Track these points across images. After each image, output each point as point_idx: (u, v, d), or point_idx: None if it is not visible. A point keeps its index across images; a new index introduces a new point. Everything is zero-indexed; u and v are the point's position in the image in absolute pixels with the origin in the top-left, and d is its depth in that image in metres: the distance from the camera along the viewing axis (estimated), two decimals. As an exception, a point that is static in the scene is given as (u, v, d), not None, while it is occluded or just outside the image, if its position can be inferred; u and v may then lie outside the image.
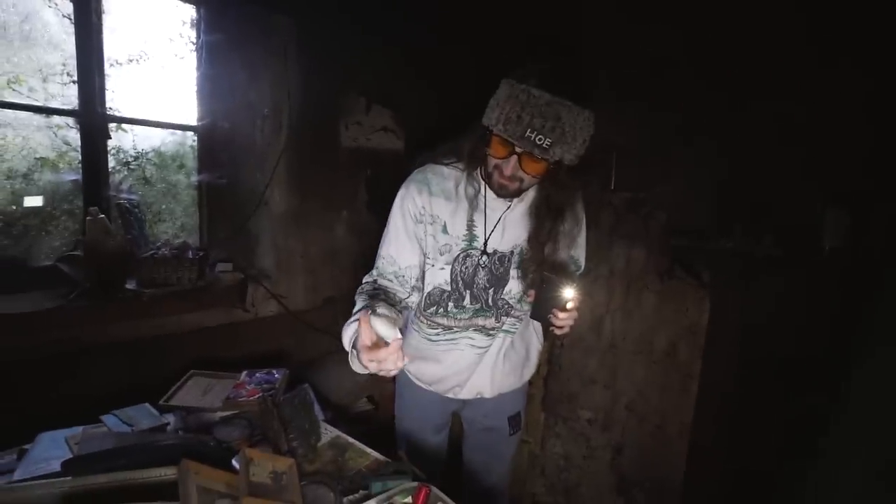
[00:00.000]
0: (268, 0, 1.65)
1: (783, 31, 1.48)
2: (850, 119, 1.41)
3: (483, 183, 1.11)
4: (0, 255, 1.44)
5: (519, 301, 1.19)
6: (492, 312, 1.19)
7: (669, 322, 1.75)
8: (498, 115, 0.97)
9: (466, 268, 1.15)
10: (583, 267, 1.30)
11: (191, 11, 1.73)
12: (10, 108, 1.41)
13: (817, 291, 1.43)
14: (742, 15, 1.54)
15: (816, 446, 1.01)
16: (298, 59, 1.72)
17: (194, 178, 1.82)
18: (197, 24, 1.75)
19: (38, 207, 1.52)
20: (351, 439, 1.23)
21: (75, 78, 1.49)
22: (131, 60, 1.64)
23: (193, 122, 1.80)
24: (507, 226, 1.14)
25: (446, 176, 1.14)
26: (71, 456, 1.02)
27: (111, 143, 1.60)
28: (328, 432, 1.25)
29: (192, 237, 1.84)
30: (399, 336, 0.88)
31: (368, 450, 1.18)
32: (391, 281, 1.16)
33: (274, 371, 1.43)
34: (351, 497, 0.99)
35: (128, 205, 1.58)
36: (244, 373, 1.42)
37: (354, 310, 1.07)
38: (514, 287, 1.17)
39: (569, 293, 1.00)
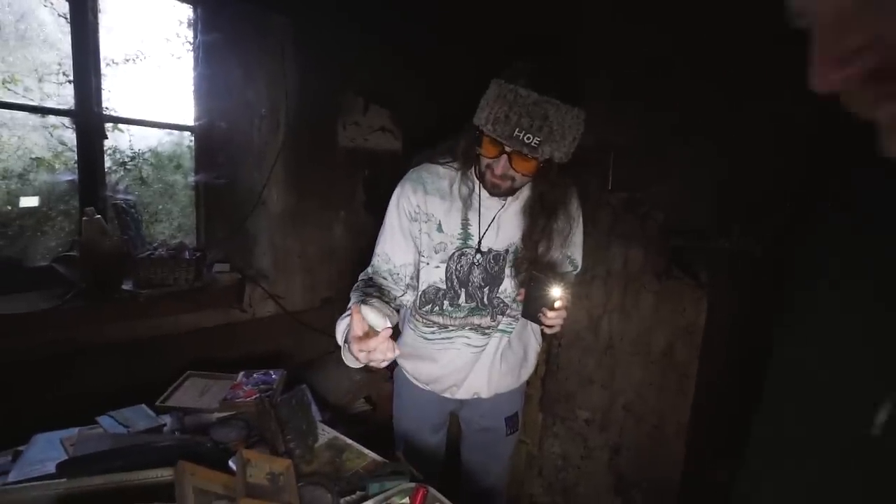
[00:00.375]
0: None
1: (778, 30, 1.48)
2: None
3: (477, 182, 1.12)
4: (-4, 255, 1.44)
5: (514, 300, 1.19)
6: (487, 311, 1.19)
7: (667, 322, 1.75)
8: (487, 115, 0.98)
9: (461, 266, 1.16)
10: (580, 266, 1.31)
11: (187, 11, 1.73)
12: (5, 107, 1.40)
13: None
14: (737, 15, 1.55)
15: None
16: (296, 59, 1.72)
17: (191, 179, 1.82)
18: (194, 24, 1.74)
19: (34, 208, 1.51)
20: (348, 440, 1.23)
21: (71, 77, 1.48)
22: (128, 60, 1.63)
23: (190, 121, 1.79)
24: (502, 224, 1.15)
25: (441, 175, 1.15)
26: (66, 457, 1.02)
27: (108, 143, 1.59)
28: (325, 433, 1.25)
29: (189, 237, 1.83)
30: (389, 326, 0.90)
31: (366, 451, 1.18)
32: (386, 279, 1.17)
33: (271, 372, 1.42)
34: (348, 498, 0.99)
35: (124, 205, 1.58)
36: (241, 374, 1.42)
37: (348, 305, 1.08)
38: (508, 286, 1.18)
39: (556, 292, 1.01)
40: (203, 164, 1.82)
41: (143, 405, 1.25)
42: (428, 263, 1.17)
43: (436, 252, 1.16)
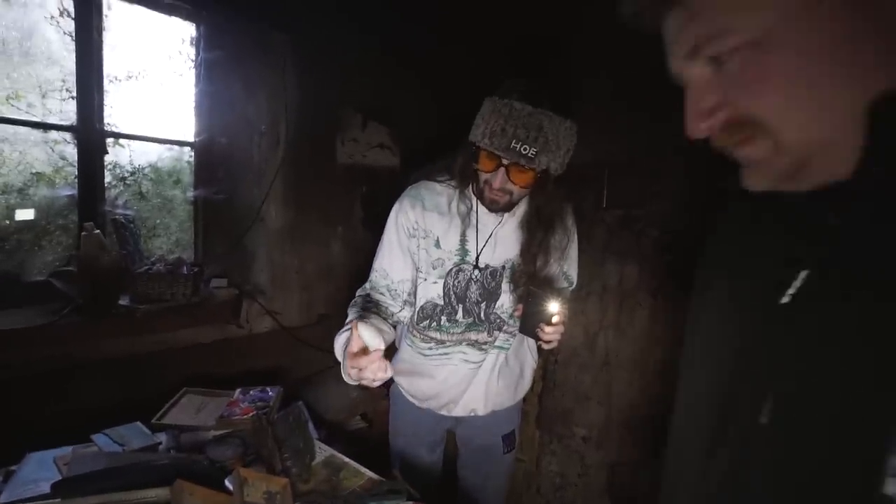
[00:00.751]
0: (267, 18, 1.68)
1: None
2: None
3: (475, 199, 1.14)
4: (-7, 269, 1.43)
5: (510, 316, 1.20)
6: (484, 327, 1.20)
7: (662, 338, 1.77)
8: (483, 130, 1.01)
9: (459, 282, 1.17)
10: (575, 282, 1.32)
11: (191, 29, 1.76)
12: (8, 123, 1.41)
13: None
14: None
15: None
16: (296, 76, 1.75)
17: (190, 194, 1.83)
18: (196, 42, 1.77)
19: (32, 222, 1.51)
20: (345, 458, 1.22)
21: (74, 94, 1.50)
22: (130, 77, 1.65)
23: (190, 137, 1.81)
24: (499, 241, 1.17)
25: (439, 192, 1.17)
26: (60, 477, 1.01)
27: (108, 159, 1.60)
28: (322, 451, 1.24)
29: (186, 252, 1.83)
30: (381, 347, 0.91)
31: (363, 469, 1.17)
32: (383, 294, 1.18)
33: (268, 389, 1.42)
34: (346, 518, 0.98)
35: (123, 220, 1.58)
36: (238, 390, 1.41)
37: (347, 321, 1.09)
38: (505, 301, 1.20)
39: (554, 307, 1.02)
40: (202, 179, 1.83)
41: (139, 423, 1.24)
42: (426, 279, 1.19)
43: (433, 268, 1.17)
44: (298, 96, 1.76)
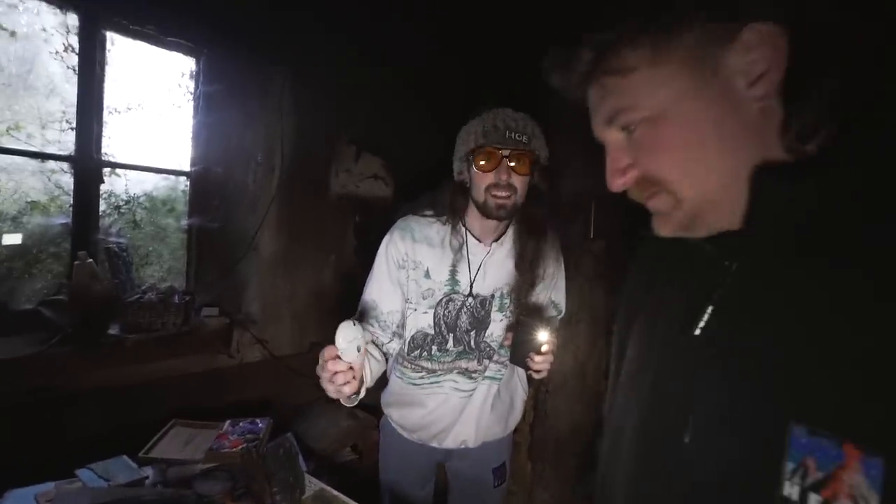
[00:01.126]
0: (265, 54, 1.74)
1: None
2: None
3: (465, 232, 1.17)
4: (-20, 298, 1.42)
5: (500, 346, 1.22)
6: (474, 355, 1.22)
7: (651, 368, 1.79)
8: (475, 137, 1.09)
9: (449, 311, 1.19)
10: (564, 310, 1.35)
11: (190, 63, 1.81)
12: (6, 153, 1.43)
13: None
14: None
15: None
16: (293, 109, 1.80)
17: (184, 222, 1.84)
18: (196, 75, 1.82)
19: (23, 249, 1.51)
20: (335, 492, 1.20)
21: (74, 125, 1.52)
22: (130, 108, 1.69)
23: (186, 167, 1.83)
24: (488, 270, 1.20)
25: (429, 225, 1.21)
26: (43, 514, 0.98)
27: (104, 188, 1.62)
28: (312, 485, 1.22)
29: (178, 280, 1.83)
30: (353, 358, 0.86)
31: (353, 503, 1.16)
32: (373, 325, 1.19)
33: (258, 420, 1.40)
34: (336, 555, 0.97)
35: (117, 248, 1.59)
36: (227, 422, 1.39)
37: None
38: (495, 330, 1.21)
39: (543, 336, 1.04)
40: (197, 207, 1.85)
41: (125, 456, 1.21)
42: (416, 309, 1.20)
43: (423, 298, 1.19)
44: (294, 128, 1.81)
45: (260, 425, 1.38)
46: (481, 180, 1.10)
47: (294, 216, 1.83)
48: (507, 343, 1.18)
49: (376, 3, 1.92)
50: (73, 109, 1.52)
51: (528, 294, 1.21)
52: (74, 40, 1.50)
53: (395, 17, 1.99)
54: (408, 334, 1.22)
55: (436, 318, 1.19)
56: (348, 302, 1.92)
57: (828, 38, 0.40)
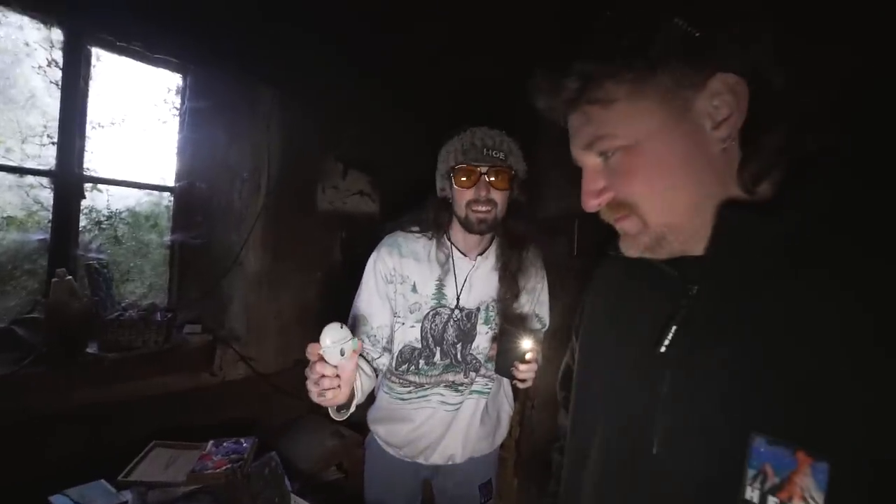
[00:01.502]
0: (253, 72, 1.75)
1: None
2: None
3: (451, 246, 1.20)
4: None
5: (487, 359, 1.24)
6: (461, 367, 1.23)
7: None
8: (454, 155, 1.13)
9: (436, 325, 1.21)
10: (548, 324, 1.38)
11: (177, 79, 1.81)
12: (-17, 168, 1.40)
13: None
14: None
15: None
16: (280, 126, 1.81)
17: (167, 238, 1.81)
18: (182, 91, 1.82)
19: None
20: (322, 512, 1.19)
21: (55, 139, 1.50)
22: (114, 123, 1.67)
23: (170, 182, 1.82)
24: (473, 284, 1.22)
25: (415, 240, 1.24)
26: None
27: (85, 203, 1.59)
28: (298, 505, 1.20)
29: (160, 297, 1.80)
30: (336, 361, 0.85)
31: (341, 524, 1.14)
32: (363, 340, 1.20)
33: (242, 440, 1.37)
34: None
35: (97, 265, 1.55)
36: (210, 442, 1.36)
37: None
38: (481, 342, 1.24)
39: (527, 344, 1.06)
40: (180, 223, 1.82)
41: (103, 480, 1.18)
42: (403, 323, 1.22)
43: (411, 312, 1.21)
44: (281, 145, 1.82)
45: (244, 445, 1.36)
46: (462, 196, 1.14)
47: (280, 232, 1.82)
48: (492, 353, 1.21)
49: (365, 20, 1.96)
50: (55, 124, 1.50)
51: (512, 305, 1.24)
52: (58, 55, 1.49)
53: (383, 35, 2.03)
54: (396, 349, 1.23)
55: (423, 331, 1.21)
56: (334, 318, 1.92)
57: (776, 97, 0.46)
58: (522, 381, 1.12)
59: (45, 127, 1.50)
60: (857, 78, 1.05)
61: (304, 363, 0.90)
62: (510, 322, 1.19)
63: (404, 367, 1.23)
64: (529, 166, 1.21)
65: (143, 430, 1.41)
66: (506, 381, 1.30)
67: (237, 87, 1.77)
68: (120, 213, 1.73)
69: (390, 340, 1.23)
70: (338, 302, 1.95)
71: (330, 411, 1.02)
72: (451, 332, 1.22)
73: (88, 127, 1.58)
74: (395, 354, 1.23)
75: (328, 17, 1.82)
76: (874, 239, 0.43)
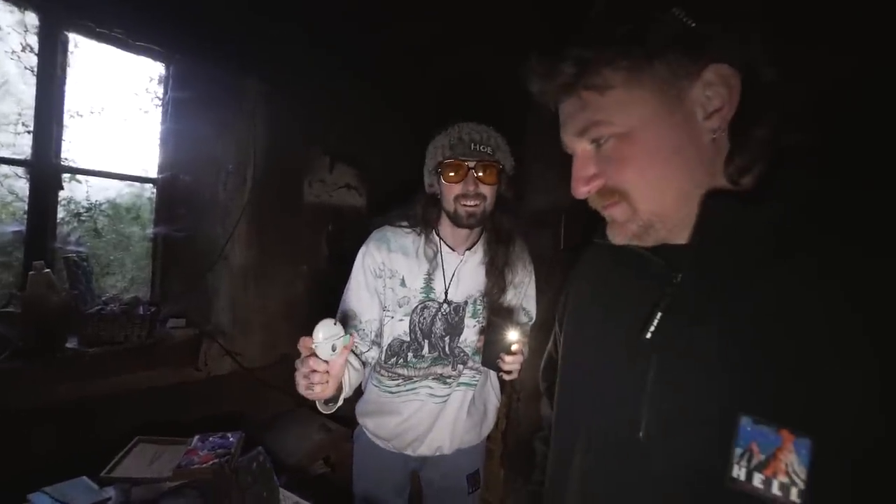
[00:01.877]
0: (239, 63, 1.72)
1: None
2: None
3: (439, 241, 1.20)
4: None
5: (474, 351, 1.25)
6: (449, 360, 1.24)
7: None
8: (442, 151, 1.13)
9: (424, 318, 1.22)
10: (534, 317, 1.40)
11: (159, 68, 1.76)
12: (-46, 157, 1.35)
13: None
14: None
15: None
16: (266, 119, 1.78)
17: (150, 231, 1.78)
18: (165, 81, 1.77)
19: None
20: (310, 506, 1.19)
21: (31, 128, 1.45)
22: (93, 112, 1.62)
23: (153, 174, 1.77)
24: (461, 278, 1.23)
25: (404, 235, 1.24)
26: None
27: (63, 194, 1.54)
28: (286, 499, 1.20)
29: (142, 290, 1.76)
30: (327, 356, 0.85)
31: (329, 517, 1.15)
32: (351, 335, 1.20)
33: (229, 434, 1.36)
34: (314, 569, 0.95)
35: (76, 258, 1.51)
36: (196, 437, 1.34)
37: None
38: (469, 335, 1.25)
39: (513, 335, 1.07)
40: (163, 216, 1.79)
41: (85, 477, 1.15)
42: (392, 317, 1.22)
43: (399, 306, 1.22)
44: (267, 138, 1.79)
45: (231, 439, 1.34)
46: (450, 191, 1.14)
47: (266, 226, 1.80)
48: (479, 345, 1.22)
49: (352, 14, 1.94)
50: (31, 112, 1.45)
51: (499, 298, 1.25)
52: (33, 40, 1.44)
53: (370, 29, 2.01)
54: (385, 342, 1.23)
55: (411, 324, 1.22)
56: (321, 312, 1.91)
57: (766, 92, 0.47)
58: (508, 372, 1.14)
59: (19, 115, 1.46)
60: (846, 78, 1.08)
61: (291, 358, 0.90)
62: (497, 315, 1.20)
63: (393, 359, 1.23)
64: (516, 161, 1.22)
65: (126, 426, 1.39)
66: (493, 373, 1.32)
67: (223, 78, 1.74)
68: (100, 204, 1.69)
69: (379, 334, 1.23)
70: (324, 295, 1.95)
71: (317, 404, 1.02)
72: (439, 326, 1.23)
73: (66, 115, 1.53)
74: (385, 348, 1.23)
75: (314, 9, 1.79)
76: (851, 230, 0.44)
